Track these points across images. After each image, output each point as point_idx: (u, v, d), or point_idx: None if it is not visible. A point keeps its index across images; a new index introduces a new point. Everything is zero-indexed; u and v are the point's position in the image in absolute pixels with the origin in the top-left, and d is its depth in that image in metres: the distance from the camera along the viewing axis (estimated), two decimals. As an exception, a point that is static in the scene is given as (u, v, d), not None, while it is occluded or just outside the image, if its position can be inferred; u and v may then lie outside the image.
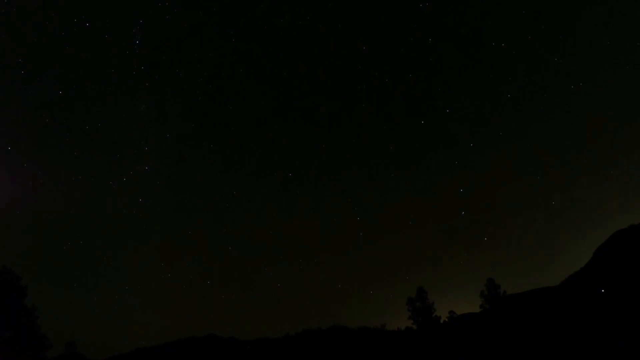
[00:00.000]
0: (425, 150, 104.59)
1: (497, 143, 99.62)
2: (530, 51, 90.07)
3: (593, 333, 29.58)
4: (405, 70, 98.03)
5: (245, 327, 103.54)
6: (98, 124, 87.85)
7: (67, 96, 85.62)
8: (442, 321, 47.69)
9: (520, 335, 33.64)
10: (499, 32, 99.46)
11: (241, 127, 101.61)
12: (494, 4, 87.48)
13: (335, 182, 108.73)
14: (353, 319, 61.51)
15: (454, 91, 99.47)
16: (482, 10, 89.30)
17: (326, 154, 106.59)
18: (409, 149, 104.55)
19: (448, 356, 36.44)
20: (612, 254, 40.12)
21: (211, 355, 47.30)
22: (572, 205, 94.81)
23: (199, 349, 48.86)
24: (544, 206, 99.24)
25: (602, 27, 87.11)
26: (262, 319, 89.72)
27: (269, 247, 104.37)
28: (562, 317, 34.12)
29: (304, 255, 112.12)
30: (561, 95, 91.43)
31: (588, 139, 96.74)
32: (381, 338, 46.94)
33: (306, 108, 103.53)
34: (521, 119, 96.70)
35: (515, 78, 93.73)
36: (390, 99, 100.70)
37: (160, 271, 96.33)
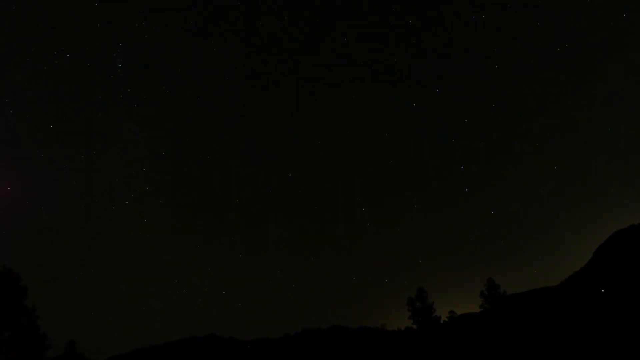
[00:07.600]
0: (421, 133, 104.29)
1: (490, 116, 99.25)
2: (511, 19, 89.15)
3: (593, 333, 29.59)
4: (390, 55, 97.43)
5: (246, 327, 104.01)
6: (93, 152, 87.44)
7: (60, 131, 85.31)
8: (442, 321, 47.66)
9: (520, 335, 33.63)
10: (477, 5, 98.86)
11: (235, 135, 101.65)
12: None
13: (334, 179, 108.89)
14: (353, 319, 61.60)
15: (441, 70, 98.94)
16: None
17: (323, 150, 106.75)
18: (404, 134, 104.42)
19: (448, 356, 36.43)
20: (612, 254, 40.15)
21: (211, 355, 47.28)
22: (572, 205, 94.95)
23: (199, 349, 48.85)
24: (544, 206, 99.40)
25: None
26: (262, 318, 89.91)
27: (272, 248, 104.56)
28: (561, 317, 34.12)
29: (305, 255, 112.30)
30: (548, 55, 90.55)
31: (588, 137, 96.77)
32: (381, 338, 46.92)
33: (297, 107, 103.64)
34: (512, 89, 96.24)
35: (500, 48, 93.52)
36: (378, 87, 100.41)
37: (175, 287, 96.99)
